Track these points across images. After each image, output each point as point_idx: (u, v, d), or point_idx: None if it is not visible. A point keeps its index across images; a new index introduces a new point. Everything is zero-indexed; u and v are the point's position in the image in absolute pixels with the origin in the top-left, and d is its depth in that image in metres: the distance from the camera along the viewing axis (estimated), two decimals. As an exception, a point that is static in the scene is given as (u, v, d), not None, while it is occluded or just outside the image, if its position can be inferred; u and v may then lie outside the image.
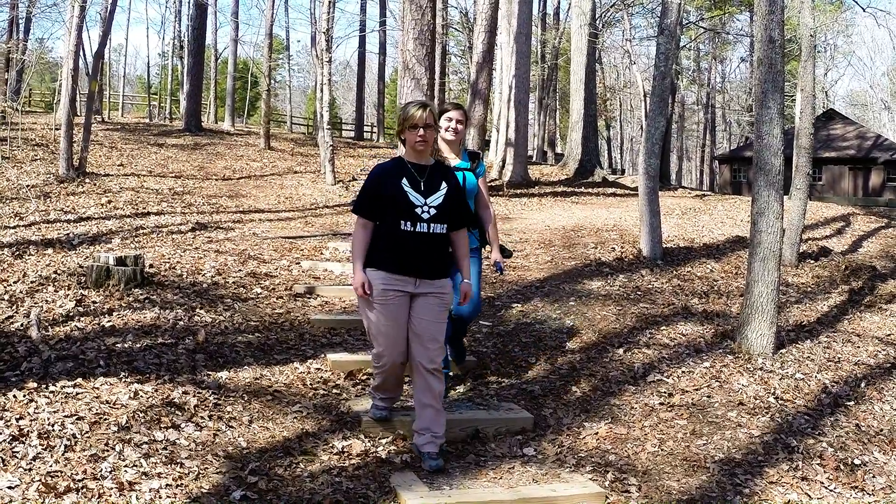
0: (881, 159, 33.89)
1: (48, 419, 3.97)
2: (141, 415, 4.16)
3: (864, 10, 18.24)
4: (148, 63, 37.41)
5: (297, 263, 8.25)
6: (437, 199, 4.03)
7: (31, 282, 6.63)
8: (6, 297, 6.16)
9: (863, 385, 5.58)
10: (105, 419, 4.05)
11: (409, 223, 3.97)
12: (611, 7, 31.63)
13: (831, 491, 4.12)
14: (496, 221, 5.05)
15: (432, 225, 4.00)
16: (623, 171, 40.66)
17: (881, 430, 4.91)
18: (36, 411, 4.07)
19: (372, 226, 4.06)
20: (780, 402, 5.18)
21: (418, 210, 3.98)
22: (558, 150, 37.36)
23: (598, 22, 27.56)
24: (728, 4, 29.90)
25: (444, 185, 4.08)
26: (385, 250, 4.00)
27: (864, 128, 38.96)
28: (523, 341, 6.25)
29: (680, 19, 13.35)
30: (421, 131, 4.03)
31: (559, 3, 36.62)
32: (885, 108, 51.55)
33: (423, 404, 4.09)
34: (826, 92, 45.27)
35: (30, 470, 3.49)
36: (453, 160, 4.80)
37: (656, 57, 9.67)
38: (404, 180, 4.02)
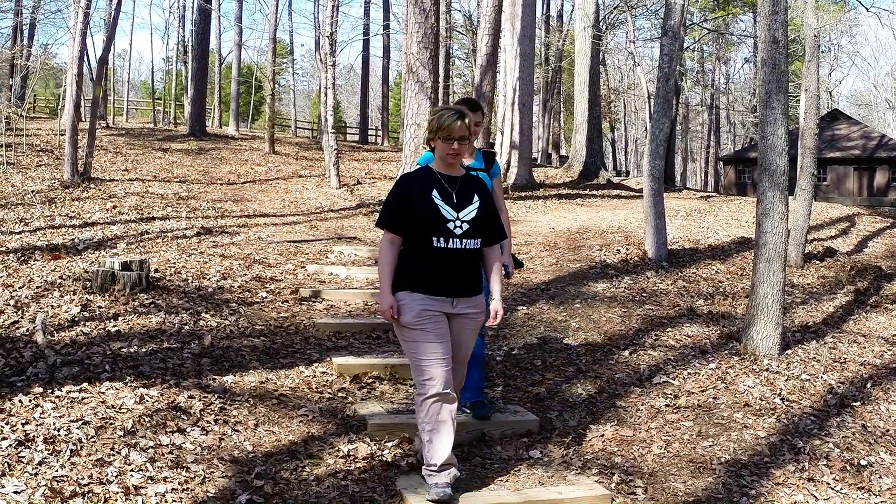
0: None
1: (54, 424, 3.98)
2: (147, 419, 4.17)
3: (867, 10, 18.32)
4: (152, 68, 37.43)
5: (302, 267, 8.26)
6: (469, 212, 3.72)
7: (37, 287, 6.65)
8: (12, 302, 6.18)
9: (869, 386, 5.56)
10: (111, 424, 4.06)
11: (441, 239, 3.64)
12: (614, 9, 31.65)
13: (837, 492, 4.11)
14: (510, 225, 4.96)
15: (465, 241, 3.68)
16: (627, 173, 40.72)
17: (887, 430, 4.89)
18: (42, 416, 4.08)
19: (400, 241, 3.73)
20: (785, 403, 5.16)
21: (450, 225, 3.66)
22: (563, 152, 37.39)
23: (601, 24, 27.59)
24: (731, 5, 29.92)
25: (476, 197, 3.78)
26: (416, 270, 3.67)
27: (868, 128, 38.94)
28: (528, 344, 6.25)
29: (683, 20, 13.34)
30: (455, 144, 3.71)
31: (563, 5, 36.74)
32: (889, 108, 51.47)
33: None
34: (830, 92, 45.13)
35: (36, 475, 3.50)
36: (467, 161, 4.72)
37: (660, 58, 9.67)
38: (435, 192, 3.70)
